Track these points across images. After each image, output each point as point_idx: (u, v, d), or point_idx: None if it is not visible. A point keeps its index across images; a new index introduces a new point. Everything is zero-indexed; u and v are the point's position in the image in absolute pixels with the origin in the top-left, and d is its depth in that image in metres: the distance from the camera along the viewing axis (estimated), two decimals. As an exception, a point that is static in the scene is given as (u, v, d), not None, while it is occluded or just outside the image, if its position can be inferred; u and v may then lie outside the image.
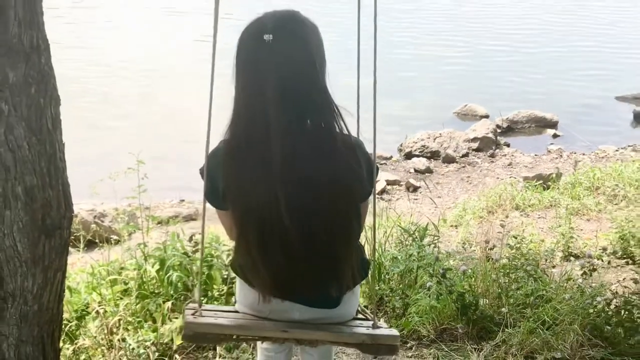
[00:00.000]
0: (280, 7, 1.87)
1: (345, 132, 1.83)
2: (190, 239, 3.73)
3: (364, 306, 2.26)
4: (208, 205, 1.98)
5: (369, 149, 1.90)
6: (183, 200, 7.74)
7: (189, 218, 7.18)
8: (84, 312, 3.29)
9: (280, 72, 1.74)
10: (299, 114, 1.79)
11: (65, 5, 15.16)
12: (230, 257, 2.10)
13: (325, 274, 1.89)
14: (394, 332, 1.99)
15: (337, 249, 1.86)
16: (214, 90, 1.95)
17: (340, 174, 1.79)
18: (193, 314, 1.97)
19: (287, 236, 1.79)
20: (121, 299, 3.43)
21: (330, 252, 1.85)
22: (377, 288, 3.87)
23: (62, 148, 2.12)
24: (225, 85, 1.90)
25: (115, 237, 4.33)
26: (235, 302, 2.14)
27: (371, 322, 2.01)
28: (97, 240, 4.21)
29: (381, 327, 2.00)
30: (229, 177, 1.82)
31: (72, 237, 4.04)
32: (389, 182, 7.99)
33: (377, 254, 4.12)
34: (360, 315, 2.10)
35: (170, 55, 12.80)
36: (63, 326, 3.03)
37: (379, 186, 7.72)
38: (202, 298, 3.47)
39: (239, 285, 2.08)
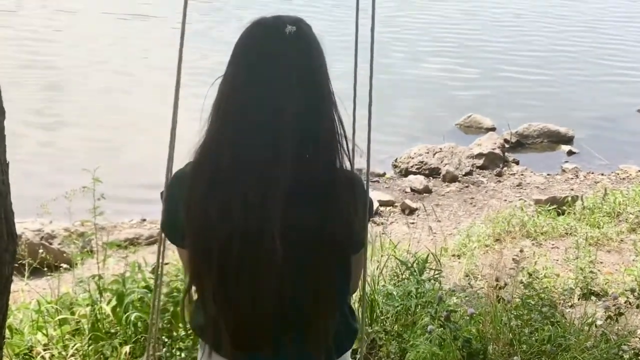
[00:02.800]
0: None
1: (345, 166, 1.76)
2: (153, 270, 3.65)
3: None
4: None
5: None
6: (144, 220, 7.63)
7: (152, 241, 7.08)
8: (27, 356, 3.21)
9: (299, 71, 1.70)
10: (310, 139, 1.72)
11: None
12: (192, 310, 1.94)
13: (294, 334, 1.79)
14: None
15: (313, 306, 1.76)
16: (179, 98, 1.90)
17: (331, 224, 1.71)
18: None
19: (258, 277, 1.69)
20: (71, 339, 3.34)
21: (304, 308, 1.76)
22: (369, 330, 3.81)
23: (5, 169, 2.04)
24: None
25: (65, 264, 4.23)
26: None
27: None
28: (44, 268, 4.12)
29: None
30: (199, 200, 1.70)
31: (16, 263, 3.98)
32: (382, 203, 7.93)
33: (369, 288, 4.07)
34: None
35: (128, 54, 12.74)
36: None
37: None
38: (167, 340, 3.42)
39: (200, 345, 2.00)
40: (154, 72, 11.08)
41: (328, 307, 1.80)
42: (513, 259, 4.28)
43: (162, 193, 1.82)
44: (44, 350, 3.14)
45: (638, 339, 3.67)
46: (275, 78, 1.69)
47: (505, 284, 4.08)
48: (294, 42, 1.71)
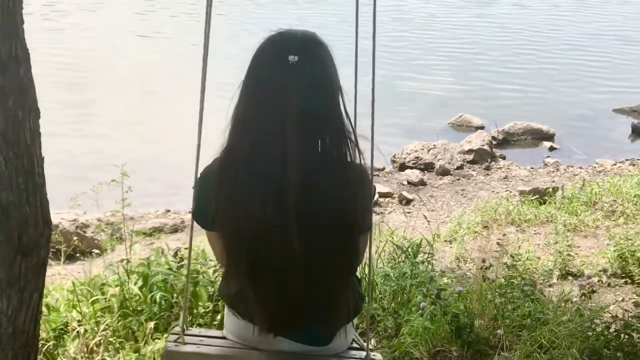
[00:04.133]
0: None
1: (358, 161, 1.82)
2: (175, 255, 3.67)
3: (360, 332, 2.20)
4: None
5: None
6: (169, 211, 7.67)
7: (175, 229, 7.12)
8: (62, 332, 3.23)
9: (303, 94, 1.73)
10: (316, 139, 1.78)
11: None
12: (220, 283, 2.08)
13: (319, 312, 1.85)
14: None
15: (334, 287, 1.84)
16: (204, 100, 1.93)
17: (346, 209, 1.77)
18: (175, 341, 1.92)
19: (284, 269, 1.77)
20: (102, 317, 3.37)
21: (326, 290, 1.83)
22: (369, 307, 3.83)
23: (41, 163, 2.07)
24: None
25: (97, 250, 4.27)
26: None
27: (364, 353, 1.96)
28: (77, 254, 4.16)
29: (375, 359, 1.95)
30: (226, 198, 1.77)
31: (53, 249, 4.02)
32: (381, 195, 7.94)
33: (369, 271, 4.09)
34: (355, 345, 2.04)
35: (158, 58, 12.74)
36: (40, 346, 2.97)
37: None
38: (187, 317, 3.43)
39: (226, 312, 2.03)
40: (182, 79, 11.07)
41: (345, 285, 1.87)
42: (497, 243, 4.29)
43: (193, 187, 1.89)
44: (79, 325, 3.16)
45: (609, 313, 3.66)
46: (281, 101, 1.73)
47: (491, 265, 4.09)
48: (298, 71, 1.73)
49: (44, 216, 2.08)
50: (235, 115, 1.80)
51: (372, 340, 3.53)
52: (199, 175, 1.88)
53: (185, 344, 1.92)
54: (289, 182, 1.71)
